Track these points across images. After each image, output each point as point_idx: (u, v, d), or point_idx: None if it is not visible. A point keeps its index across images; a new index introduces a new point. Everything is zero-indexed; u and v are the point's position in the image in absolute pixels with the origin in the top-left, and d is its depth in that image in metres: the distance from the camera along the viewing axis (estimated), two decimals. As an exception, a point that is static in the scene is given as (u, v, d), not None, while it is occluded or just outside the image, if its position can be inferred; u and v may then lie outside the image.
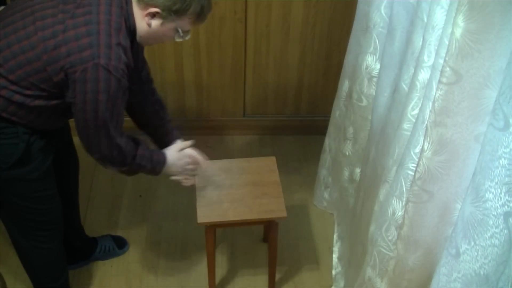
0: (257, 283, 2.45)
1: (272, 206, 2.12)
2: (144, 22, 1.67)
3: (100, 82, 1.59)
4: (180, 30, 1.70)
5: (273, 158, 2.31)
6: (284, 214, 2.11)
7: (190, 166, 2.01)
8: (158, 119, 2.05)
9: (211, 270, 2.30)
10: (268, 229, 2.29)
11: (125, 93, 1.68)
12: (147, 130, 2.08)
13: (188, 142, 2.02)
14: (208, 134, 3.09)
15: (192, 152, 2.01)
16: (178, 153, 1.97)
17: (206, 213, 2.09)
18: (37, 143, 1.77)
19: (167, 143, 2.03)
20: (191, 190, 2.15)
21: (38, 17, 1.62)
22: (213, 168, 2.25)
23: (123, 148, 1.75)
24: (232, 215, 2.09)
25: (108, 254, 2.51)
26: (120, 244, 2.54)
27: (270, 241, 2.25)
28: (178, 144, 2.00)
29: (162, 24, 1.67)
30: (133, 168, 1.83)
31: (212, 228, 2.16)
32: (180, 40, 1.74)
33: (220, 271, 2.48)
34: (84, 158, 1.99)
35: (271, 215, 2.11)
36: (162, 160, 1.92)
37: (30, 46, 1.61)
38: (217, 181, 2.20)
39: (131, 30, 1.68)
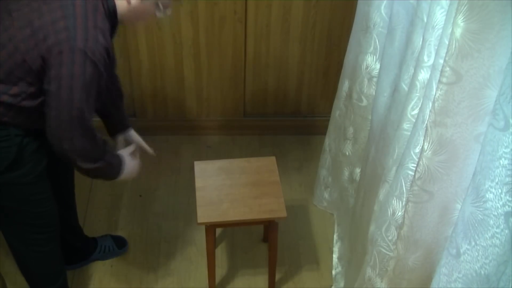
0: (257, 283, 2.45)
1: (272, 206, 2.12)
2: None
3: (76, 65, 1.54)
4: (160, 5, 1.67)
5: (273, 158, 2.31)
6: (284, 214, 2.11)
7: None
8: (113, 107, 2.02)
9: (211, 270, 2.30)
10: (268, 229, 2.29)
11: (100, 84, 1.63)
12: (100, 115, 2.03)
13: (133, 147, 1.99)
14: (208, 134, 3.09)
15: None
16: (130, 156, 1.91)
17: (206, 213, 2.09)
18: (30, 146, 1.75)
19: (118, 131, 2.05)
20: (191, 190, 2.15)
21: (13, 9, 1.61)
22: (213, 168, 2.26)
23: (97, 141, 1.68)
24: (232, 215, 2.09)
25: (107, 254, 2.51)
26: (120, 244, 2.54)
27: (270, 241, 2.25)
28: (130, 147, 1.95)
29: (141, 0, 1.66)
30: (104, 165, 1.74)
31: (212, 228, 2.16)
32: (162, 15, 1.71)
33: (220, 271, 2.48)
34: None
35: (271, 215, 2.11)
36: (122, 161, 1.85)
37: (8, 38, 1.59)
38: (217, 181, 2.20)
39: (111, 11, 1.65)
